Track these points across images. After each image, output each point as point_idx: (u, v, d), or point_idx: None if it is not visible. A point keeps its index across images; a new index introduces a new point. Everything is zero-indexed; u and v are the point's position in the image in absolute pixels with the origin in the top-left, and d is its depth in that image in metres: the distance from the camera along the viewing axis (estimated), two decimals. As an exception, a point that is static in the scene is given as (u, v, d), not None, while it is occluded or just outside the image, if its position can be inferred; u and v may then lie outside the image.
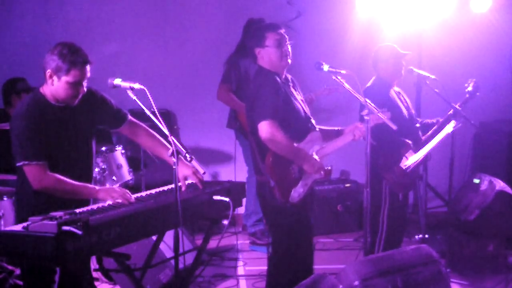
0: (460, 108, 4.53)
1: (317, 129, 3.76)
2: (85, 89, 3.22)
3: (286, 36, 3.72)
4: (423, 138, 4.48)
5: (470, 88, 4.62)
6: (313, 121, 3.78)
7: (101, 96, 3.42)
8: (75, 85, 3.16)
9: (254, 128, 3.59)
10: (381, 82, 4.44)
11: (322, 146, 3.73)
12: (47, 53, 3.19)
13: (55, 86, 3.18)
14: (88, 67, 3.18)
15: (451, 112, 4.54)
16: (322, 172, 3.67)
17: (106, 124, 3.52)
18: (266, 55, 3.68)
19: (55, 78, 3.16)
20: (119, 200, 3.14)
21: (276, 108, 3.53)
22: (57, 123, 3.22)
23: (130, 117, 3.52)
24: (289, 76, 3.83)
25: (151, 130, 3.53)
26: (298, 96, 3.78)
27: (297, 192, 3.59)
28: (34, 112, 3.16)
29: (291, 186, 3.59)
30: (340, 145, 3.84)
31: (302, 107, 3.74)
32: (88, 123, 3.37)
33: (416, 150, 4.32)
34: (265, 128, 3.51)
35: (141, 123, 3.56)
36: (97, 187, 3.20)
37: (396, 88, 4.54)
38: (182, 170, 3.37)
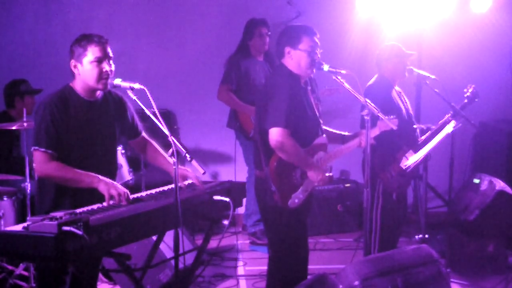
0: (459, 109, 4.54)
1: (324, 135, 3.77)
2: (111, 68, 3.25)
3: (319, 44, 3.68)
4: (421, 139, 4.48)
5: (468, 94, 4.66)
6: (321, 126, 3.77)
7: (130, 107, 3.50)
8: (98, 63, 3.20)
9: (263, 129, 3.58)
10: (383, 81, 4.44)
11: (327, 152, 3.74)
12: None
13: (82, 74, 3.23)
14: (107, 46, 3.25)
15: (447, 117, 4.55)
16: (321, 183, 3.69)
17: (125, 135, 3.58)
18: (295, 57, 3.63)
19: (78, 65, 3.23)
20: (114, 196, 3.12)
21: (290, 115, 3.51)
22: (83, 116, 3.26)
23: (143, 134, 3.60)
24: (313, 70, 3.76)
25: (157, 146, 3.59)
26: (313, 100, 3.76)
27: (297, 197, 3.59)
28: (58, 102, 3.20)
29: (292, 192, 3.58)
30: (345, 153, 3.87)
31: (314, 111, 3.71)
32: (115, 125, 3.41)
33: (413, 150, 4.32)
34: (275, 135, 3.49)
35: (150, 140, 3.63)
36: (100, 177, 3.19)
37: (397, 88, 4.54)
38: (182, 171, 3.40)
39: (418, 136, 4.48)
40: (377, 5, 5.98)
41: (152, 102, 3.00)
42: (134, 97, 3.12)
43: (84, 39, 3.22)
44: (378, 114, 3.70)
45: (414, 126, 4.50)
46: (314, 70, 3.68)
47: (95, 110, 3.31)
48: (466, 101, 4.64)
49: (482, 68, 6.28)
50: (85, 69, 3.21)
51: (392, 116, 3.83)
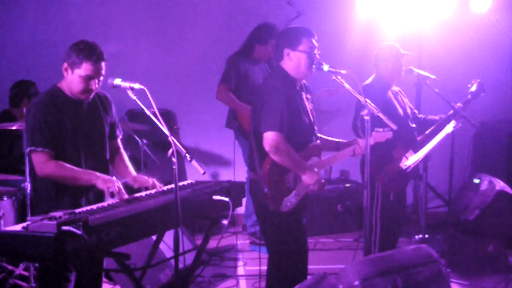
0: (460, 107, 4.52)
1: (318, 141, 3.76)
2: (97, 85, 3.29)
3: (317, 45, 3.67)
4: (419, 138, 4.48)
5: (473, 89, 4.58)
6: (316, 132, 3.77)
7: (113, 108, 3.54)
8: (87, 79, 3.23)
9: (258, 131, 3.58)
10: (380, 81, 4.46)
11: (320, 158, 3.73)
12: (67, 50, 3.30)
13: (69, 79, 3.27)
14: (102, 64, 3.27)
15: (451, 112, 4.54)
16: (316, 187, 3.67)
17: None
18: (295, 59, 3.62)
19: (69, 71, 3.26)
20: (113, 191, 3.15)
21: (285, 120, 3.50)
22: (72, 114, 3.30)
23: (119, 140, 3.61)
24: (304, 82, 3.79)
25: (125, 157, 3.61)
26: (308, 106, 3.76)
27: (289, 201, 3.58)
28: (47, 102, 3.25)
29: (284, 195, 3.57)
30: (339, 160, 3.87)
31: (309, 117, 3.72)
32: (104, 123, 3.45)
33: (410, 149, 4.32)
34: (270, 140, 3.48)
35: (121, 149, 3.63)
36: (98, 174, 3.23)
37: (395, 88, 4.55)
38: (142, 179, 3.45)
39: (415, 136, 4.48)
40: (377, 5, 5.98)
41: (152, 102, 3.01)
42: (134, 97, 3.13)
43: (83, 52, 3.22)
44: (378, 114, 3.69)
45: (413, 125, 4.50)
46: (313, 70, 3.68)
47: (84, 108, 3.35)
48: (469, 96, 4.57)
49: (482, 68, 6.28)
50: (73, 78, 3.26)
51: (387, 129, 3.83)
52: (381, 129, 3.78)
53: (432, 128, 4.52)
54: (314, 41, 3.67)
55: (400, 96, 4.55)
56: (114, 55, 6.08)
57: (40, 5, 6.33)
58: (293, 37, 3.66)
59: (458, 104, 4.54)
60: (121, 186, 3.19)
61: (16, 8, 6.29)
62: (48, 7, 6.33)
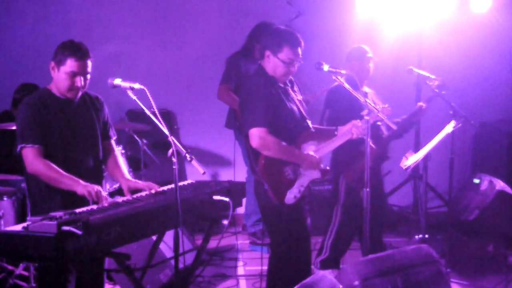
0: (421, 106, 4.53)
1: (313, 129, 3.76)
2: (83, 83, 3.31)
3: (300, 56, 3.65)
4: (387, 133, 4.51)
5: (434, 86, 4.62)
6: (309, 121, 3.77)
7: (105, 108, 3.56)
8: (72, 76, 3.27)
9: (245, 132, 3.59)
10: (350, 81, 4.49)
11: (318, 144, 3.72)
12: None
13: (55, 77, 3.32)
14: (88, 62, 3.29)
15: (417, 106, 4.56)
16: (319, 172, 3.67)
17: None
18: (272, 63, 3.63)
19: (55, 69, 3.31)
20: (91, 195, 3.14)
21: (266, 114, 3.51)
22: (61, 113, 3.32)
23: (112, 141, 3.61)
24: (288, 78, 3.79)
25: (118, 158, 3.59)
26: (296, 97, 3.75)
27: (293, 193, 3.59)
28: (37, 101, 3.30)
29: (286, 188, 3.58)
30: (338, 144, 3.83)
31: (297, 107, 3.72)
32: (95, 123, 3.46)
33: (377, 145, 4.34)
34: (255, 136, 3.50)
35: (116, 151, 3.62)
36: (80, 181, 3.21)
37: (367, 89, 4.57)
38: (133, 183, 3.43)
39: (381, 133, 4.49)
40: (377, 5, 5.98)
41: (152, 102, 3.01)
42: (134, 97, 3.13)
43: (68, 49, 3.27)
44: (378, 114, 3.70)
45: (378, 123, 4.48)
46: (289, 78, 3.70)
47: (73, 107, 3.37)
48: (431, 94, 4.59)
49: (482, 68, 6.28)
50: (59, 76, 3.30)
51: (386, 105, 3.86)
52: (376, 111, 3.77)
53: (403, 118, 4.58)
54: (298, 51, 3.62)
55: (371, 98, 4.57)
56: (114, 55, 6.15)
57: (40, 5, 6.33)
58: (276, 42, 3.64)
59: (420, 104, 4.55)
60: (100, 192, 3.16)
61: (16, 8, 6.29)
62: (48, 7, 6.33)
